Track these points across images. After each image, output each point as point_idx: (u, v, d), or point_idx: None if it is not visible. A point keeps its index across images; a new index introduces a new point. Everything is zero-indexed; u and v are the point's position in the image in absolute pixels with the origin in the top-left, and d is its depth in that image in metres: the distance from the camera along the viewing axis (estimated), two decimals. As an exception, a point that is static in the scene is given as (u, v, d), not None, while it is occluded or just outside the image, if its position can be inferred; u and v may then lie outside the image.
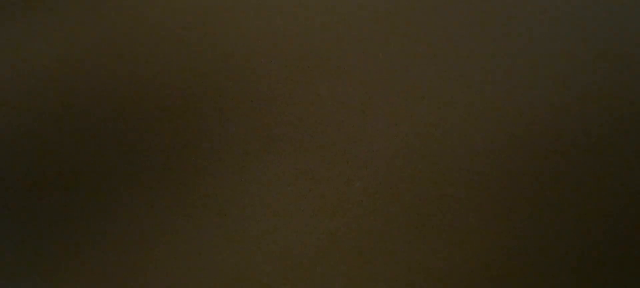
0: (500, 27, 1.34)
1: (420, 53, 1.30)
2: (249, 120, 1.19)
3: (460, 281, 0.98)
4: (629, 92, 1.22)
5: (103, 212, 1.07)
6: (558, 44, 1.31)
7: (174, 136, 1.17)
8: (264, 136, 1.17)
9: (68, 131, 1.19)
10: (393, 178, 1.10)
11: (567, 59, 1.28)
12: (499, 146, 1.14)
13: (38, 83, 1.27)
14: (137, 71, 1.28)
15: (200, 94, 1.24)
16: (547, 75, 1.25)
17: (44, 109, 1.23)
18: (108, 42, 1.34)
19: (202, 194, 1.09)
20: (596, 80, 1.24)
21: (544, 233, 1.03)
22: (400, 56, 1.29)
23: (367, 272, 0.99)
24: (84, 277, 1.00)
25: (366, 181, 1.10)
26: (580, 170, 1.11)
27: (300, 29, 1.35)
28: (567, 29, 1.34)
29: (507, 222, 1.04)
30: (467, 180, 1.09)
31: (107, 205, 1.08)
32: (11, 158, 1.15)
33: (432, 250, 1.01)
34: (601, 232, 1.03)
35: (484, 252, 1.01)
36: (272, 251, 1.02)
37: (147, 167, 1.13)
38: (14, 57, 1.32)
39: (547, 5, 1.38)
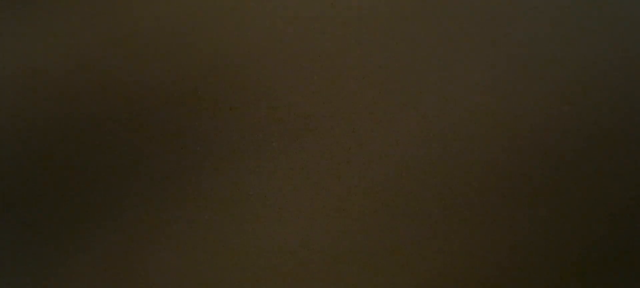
0: (502, 27, 1.34)
1: (422, 53, 1.30)
2: (250, 120, 1.19)
3: (464, 281, 0.97)
4: (630, 92, 1.22)
5: (102, 212, 1.07)
6: (559, 44, 1.31)
7: (174, 136, 1.17)
8: (265, 136, 1.17)
9: (67, 132, 1.19)
10: (395, 177, 1.10)
11: (568, 59, 1.28)
12: (502, 146, 1.14)
13: (38, 83, 1.27)
14: (136, 71, 1.28)
15: (199, 94, 1.24)
16: (548, 75, 1.25)
17: (43, 109, 1.22)
18: (107, 42, 1.34)
19: (202, 195, 1.09)
20: (597, 80, 1.24)
21: (546, 233, 1.03)
22: (402, 55, 1.29)
23: (369, 273, 0.99)
24: (85, 277, 0.99)
25: (368, 181, 1.10)
26: (581, 169, 1.11)
27: (300, 27, 1.35)
28: (568, 29, 1.33)
29: (510, 222, 1.04)
30: (470, 180, 1.09)
31: (105, 205, 1.08)
32: (11, 159, 1.15)
33: (434, 249, 1.01)
34: (605, 231, 1.03)
35: (487, 252, 1.01)
36: (273, 251, 1.02)
37: (147, 167, 1.13)
38: (14, 57, 1.32)
39: (547, 6, 1.38)
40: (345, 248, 1.02)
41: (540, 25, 1.34)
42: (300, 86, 1.25)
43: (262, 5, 1.40)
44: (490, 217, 1.05)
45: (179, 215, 1.06)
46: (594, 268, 0.99)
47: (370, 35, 1.33)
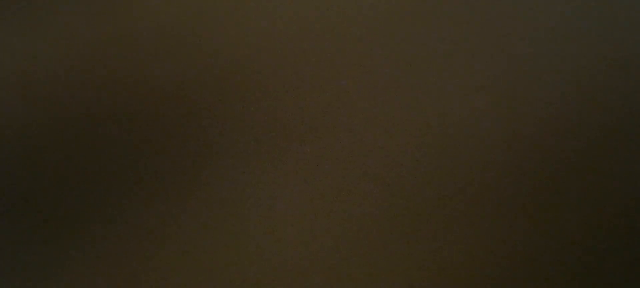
0: (502, 28, 1.34)
1: (422, 53, 1.30)
2: (250, 121, 1.19)
3: (464, 282, 0.97)
4: (630, 93, 1.22)
5: (102, 212, 1.07)
6: (560, 45, 1.31)
7: (174, 137, 1.17)
8: (266, 136, 1.17)
9: (68, 132, 1.19)
10: (395, 178, 1.10)
11: (568, 60, 1.28)
12: (502, 146, 1.14)
13: (38, 84, 1.27)
14: (137, 72, 1.28)
15: (200, 95, 1.24)
16: (548, 76, 1.25)
17: (42, 109, 1.23)
18: (107, 43, 1.34)
19: (202, 195, 1.09)
20: (597, 81, 1.24)
21: (546, 233, 1.03)
22: (402, 55, 1.29)
23: (369, 273, 0.99)
24: (85, 277, 1.00)
25: (368, 181, 1.10)
26: (582, 169, 1.11)
27: (301, 28, 1.35)
28: (569, 30, 1.34)
29: (510, 222, 1.04)
30: (471, 181, 1.09)
31: (106, 205, 1.08)
32: (11, 158, 1.15)
33: (435, 251, 1.01)
34: (604, 233, 1.03)
35: (487, 252, 1.01)
36: (273, 252, 1.02)
37: (147, 168, 1.13)
38: (13, 57, 1.32)
39: (549, 7, 1.38)
40: (345, 249, 1.02)
41: (540, 26, 1.34)
42: (301, 86, 1.25)
43: (263, 5, 1.40)
44: (491, 217, 1.05)
45: (180, 215, 1.06)
46: (594, 268, 0.99)
47: (370, 35, 1.33)
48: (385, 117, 1.19)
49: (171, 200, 1.08)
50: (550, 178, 1.09)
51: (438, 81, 1.24)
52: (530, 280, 0.98)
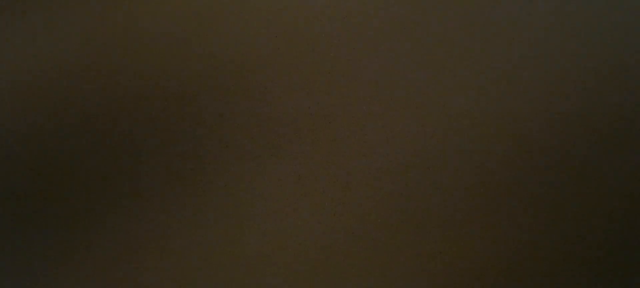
0: (503, 29, 1.34)
1: (422, 54, 1.30)
2: (249, 121, 1.19)
3: (464, 282, 0.98)
4: (630, 94, 1.22)
5: (102, 213, 1.07)
6: (559, 46, 1.31)
7: (173, 137, 1.17)
8: (264, 136, 1.17)
9: (67, 133, 1.19)
10: (394, 178, 1.10)
11: (568, 61, 1.28)
12: (501, 147, 1.14)
13: (37, 84, 1.27)
14: (136, 73, 1.28)
15: (199, 95, 1.24)
16: (549, 77, 1.25)
17: (42, 110, 1.23)
18: (106, 43, 1.34)
19: (201, 195, 1.09)
20: (597, 81, 1.24)
21: (546, 234, 1.03)
22: (401, 57, 1.29)
23: (367, 273, 0.99)
24: (85, 277, 1.00)
25: (366, 181, 1.10)
26: (581, 169, 1.11)
27: (300, 29, 1.35)
28: (569, 31, 1.34)
29: (510, 222, 1.04)
30: (468, 181, 1.09)
31: (105, 206, 1.08)
32: (12, 160, 1.15)
33: (432, 251, 1.01)
34: (603, 233, 1.03)
35: (485, 253, 1.01)
36: (271, 252, 1.02)
37: (147, 169, 1.13)
38: (13, 58, 1.32)
39: (549, 9, 1.38)
40: (345, 249, 1.02)
41: (539, 27, 1.34)
42: (301, 87, 1.25)
43: (263, 7, 1.40)
44: (490, 217, 1.05)
45: (180, 216, 1.06)
46: (595, 266, 0.99)
47: (370, 36, 1.34)
48: (386, 117, 1.19)
49: (172, 201, 1.08)
50: (551, 177, 1.09)
51: (438, 82, 1.25)
52: (530, 280, 0.98)
